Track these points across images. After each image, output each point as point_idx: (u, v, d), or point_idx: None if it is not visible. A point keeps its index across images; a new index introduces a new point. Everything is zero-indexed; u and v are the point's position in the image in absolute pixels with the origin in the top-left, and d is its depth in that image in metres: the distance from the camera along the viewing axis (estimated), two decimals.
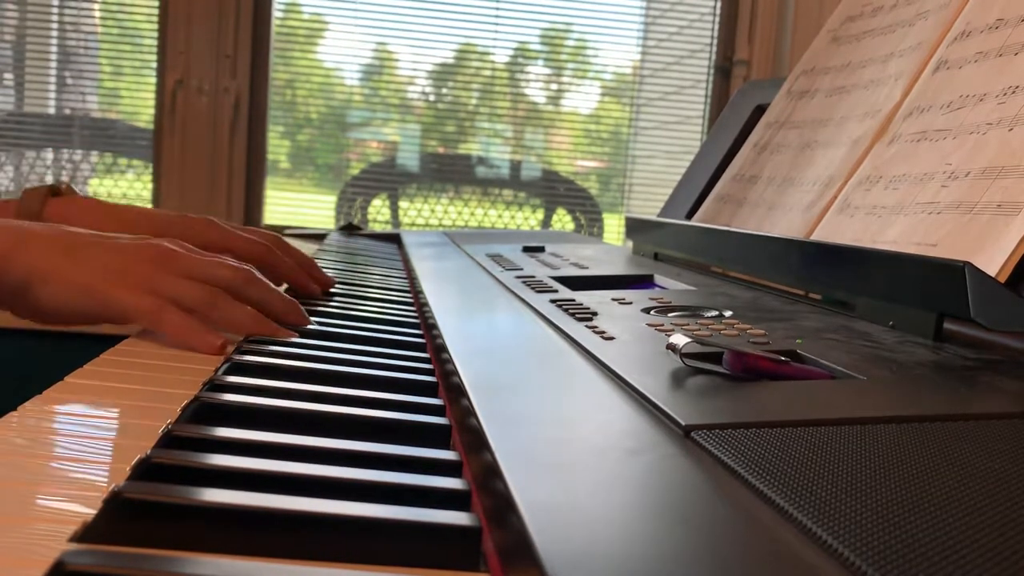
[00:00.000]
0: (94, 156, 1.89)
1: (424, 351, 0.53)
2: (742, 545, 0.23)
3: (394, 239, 1.24)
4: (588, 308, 0.56)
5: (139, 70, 1.87)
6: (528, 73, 2.01)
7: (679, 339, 0.40)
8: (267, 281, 0.57)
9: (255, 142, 1.83)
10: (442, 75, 1.98)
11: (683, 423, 0.31)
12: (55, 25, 1.86)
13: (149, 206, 1.79)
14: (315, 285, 0.68)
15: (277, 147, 1.94)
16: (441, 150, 2.00)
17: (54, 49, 1.87)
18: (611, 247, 1.11)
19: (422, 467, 0.32)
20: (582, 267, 0.80)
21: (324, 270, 0.72)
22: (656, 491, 0.27)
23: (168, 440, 0.32)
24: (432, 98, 1.99)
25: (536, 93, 2.02)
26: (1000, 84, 0.56)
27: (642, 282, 0.75)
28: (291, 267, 0.67)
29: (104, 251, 0.52)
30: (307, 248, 0.99)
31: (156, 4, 1.79)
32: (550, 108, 2.04)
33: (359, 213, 1.96)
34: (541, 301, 0.59)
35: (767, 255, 0.68)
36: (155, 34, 1.81)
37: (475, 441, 0.32)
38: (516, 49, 1.98)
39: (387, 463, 0.32)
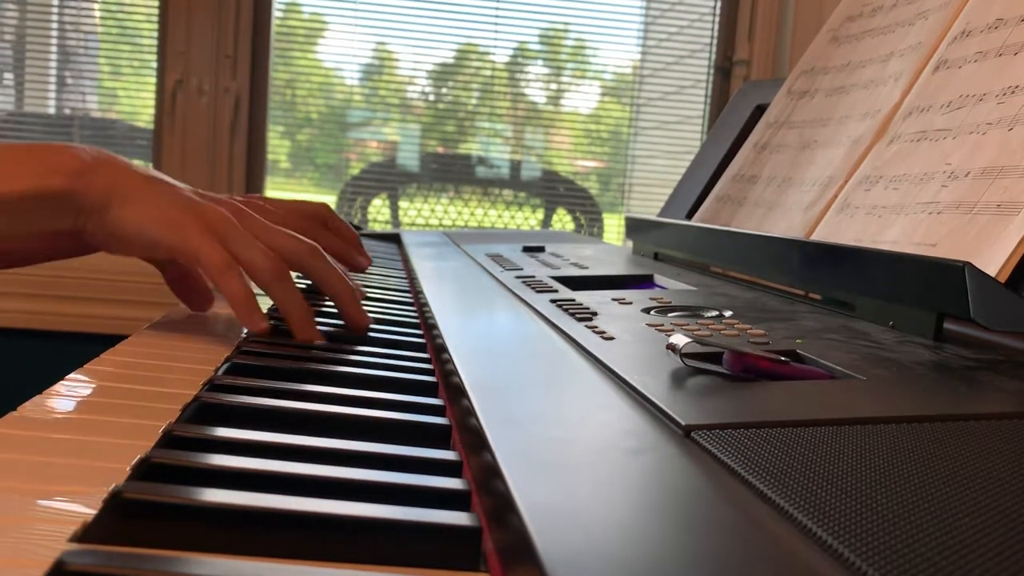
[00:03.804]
0: None
1: (424, 351, 0.53)
2: (742, 545, 0.23)
3: (394, 239, 1.24)
4: (588, 308, 0.56)
5: (139, 70, 1.87)
6: (528, 73, 2.01)
7: (679, 339, 0.40)
8: (332, 264, 0.57)
9: (255, 142, 1.83)
10: (442, 75, 1.98)
11: (683, 423, 0.31)
12: (55, 25, 1.86)
13: None
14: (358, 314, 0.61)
15: (277, 147, 1.94)
16: (441, 150, 2.00)
17: (54, 49, 1.87)
18: (611, 247, 1.10)
19: (422, 467, 0.32)
20: (582, 267, 0.80)
21: None
22: (656, 491, 0.27)
23: (168, 440, 0.32)
24: (432, 98, 1.99)
25: (536, 93, 2.02)
26: (1000, 84, 0.56)
27: (642, 282, 0.75)
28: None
29: (185, 192, 0.53)
30: None
31: (156, 4, 1.79)
32: (550, 108, 2.03)
33: (359, 213, 1.96)
34: (541, 301, 0.59)
35: (767, 255, 0.68)
36: (155, 34, 1.81)
37: (475, 441, 0.32)
38: (516, 49, 1.97)
39: (387, 463, 0.32)
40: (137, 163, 0.54)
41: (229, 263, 0.51)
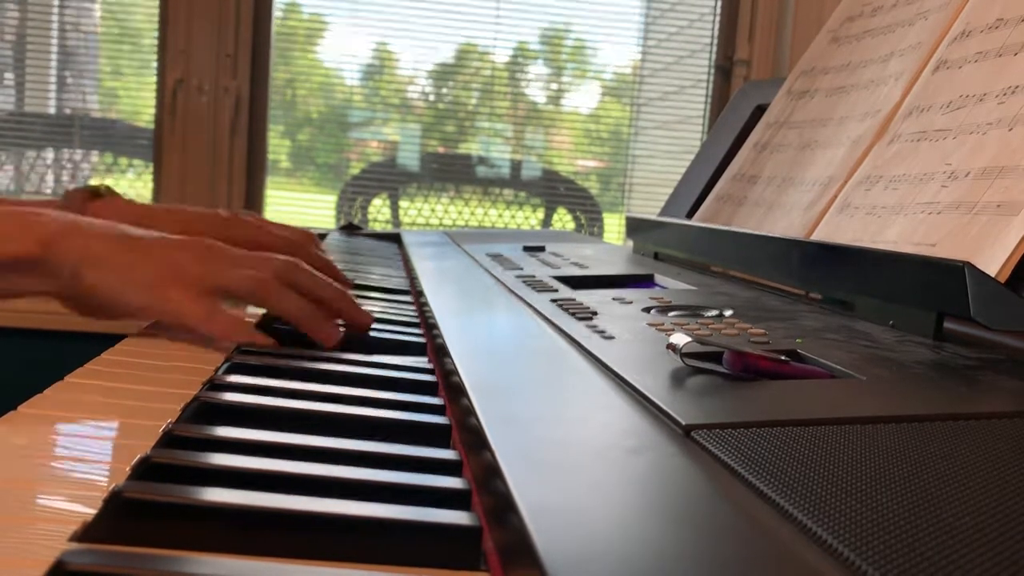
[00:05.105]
0: (94, 156, 1.89)
1: (424, 351, 0.53)
2: (742, 545, 0.23)
3: (394, 239, 1.24)
4: (588, 308, 0.56)
5: (139, 70, 1.87)
6: (528, 73, 2.01)
7: (679, 339, 0.40)
8: (313, 271, 0.56)
9: (255, 142, 1.83)
10: (442, 75, 1.98)
11: (683, 423, 0.31)
12: (55, 25, 1.86)
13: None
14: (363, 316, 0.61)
15: (277, 147, 1.94)
16: (441, 150, 2.00)
17: (54, 49, 1.87)
18: (611, 247, 1.10)
19: (422, 466, 0.32)
20: (582, 267, 0.80)
21: None
22: (656, 491, 0.27)
23: (168, 440, 0.32)
24: (432, 98, 1.99)
25: (536, 93, 2.02)
26: (1000, 84, 0.56)
27: (642, 282, 0.75)
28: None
29: (157, 248, 0.52)
30: None
31: (156, 4, 1.79)
32: (550, 108, 2.03)
33: (359, 213, 1.96)
34: (541, 301, 0.59)
35: (767, 255, 0.68)
36: (155, 34, 1.81)
37: (475, 440, 0.32)
38: (516, 49, 1.97)
39: (387, 463, 0.32)
40: (111, 225, 0.54)
41: (209, 312, 0.51)
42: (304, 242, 0.69)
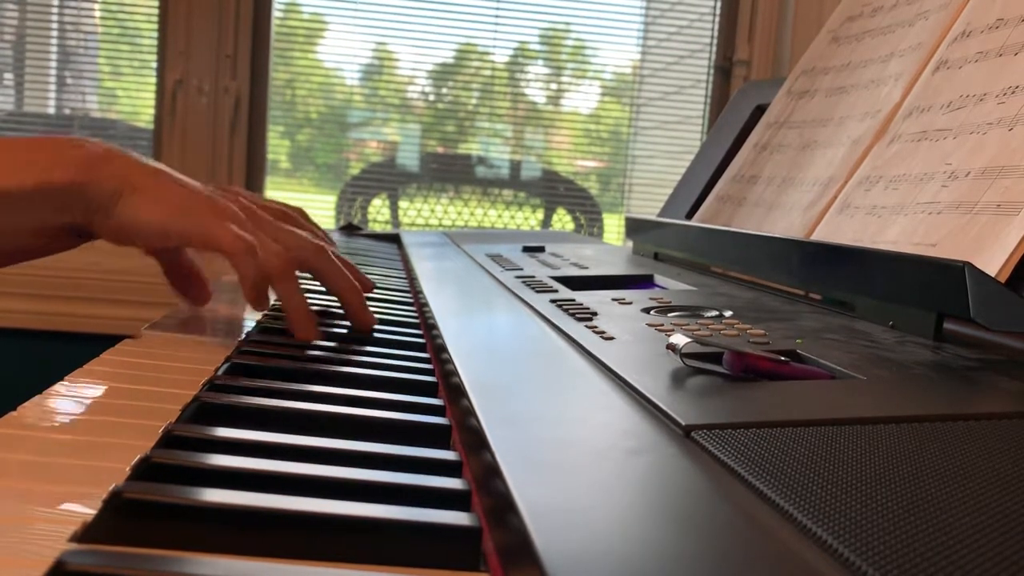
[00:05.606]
0: None
1: (424, 351, 0.53)
2: (742, 545, 0.23)
3: (394, 239, 1.24)
4: (588, 308, 0.56)
5: (139, 70, 1.87)
6: (528, 73, 2.01)
7: (679, 339, 0.40)
8: (338, 263, 0.57)
9: (255, 142, 1.83)
10: (442, 75, 1.98)
11: (683, 423, 0.31)
12: (55, 25, 1.86)
13: None
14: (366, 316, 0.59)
15: (277, 147, 1.94)
16: (441, 150, 2.00)
17: (54, 49, 1.87)
18: (611, 247, 1.11)
19: (422, 467, 0.32)
20: (582, 267, 0.80)
21: None
22: (656, 491, 0.27)
23: (168, 440, 0.32)
24: (432, 98, 1.99)
25: (536, 93, 2.02)
26: (1000, 84, 0.56)
27: (642, 282, 0.75)
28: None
29: (195, 187, 0.53)
30: None
31: (156, 4, 1.79)
32: (550, 108, 2.03)
33: (359, 213, 1.96)
34: (541, 301, 0.59)
35: (767, 255, 0.68)
36: (155, 34, 1.81)
37: (475, 441, 0.32)
38: (516, 49, 1.97)
39: (387, 463, 0.32)
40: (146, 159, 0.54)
41: (250, 244, 0.51)
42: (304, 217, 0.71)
